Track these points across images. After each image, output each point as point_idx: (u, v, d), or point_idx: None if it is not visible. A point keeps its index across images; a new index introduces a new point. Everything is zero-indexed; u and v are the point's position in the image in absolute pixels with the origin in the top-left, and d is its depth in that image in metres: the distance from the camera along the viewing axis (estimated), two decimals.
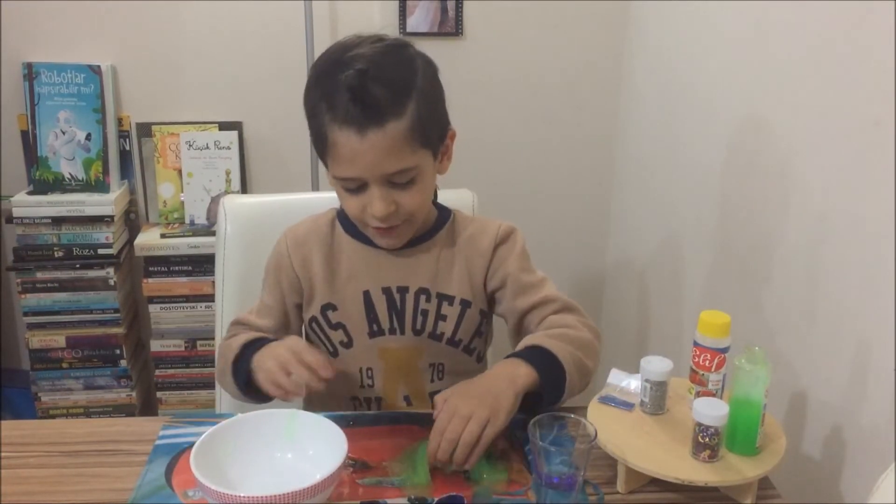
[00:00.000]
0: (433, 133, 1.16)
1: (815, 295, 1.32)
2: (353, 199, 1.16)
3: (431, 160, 1.18)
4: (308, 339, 1.29)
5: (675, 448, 1.06)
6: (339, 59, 1.13)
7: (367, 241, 1.25)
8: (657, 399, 1.13)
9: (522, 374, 1.10)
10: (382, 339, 1.25)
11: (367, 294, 1.24)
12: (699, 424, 1.03)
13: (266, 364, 1.11)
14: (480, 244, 1.26)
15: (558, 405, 1.13)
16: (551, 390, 1.12)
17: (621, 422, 1.12)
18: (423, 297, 1.25)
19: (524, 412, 1.09)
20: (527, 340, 1.17)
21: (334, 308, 1.25)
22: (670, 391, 1.14)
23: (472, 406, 1.04)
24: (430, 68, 1.17)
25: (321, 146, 1.14)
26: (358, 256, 1.25)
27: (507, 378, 1.10)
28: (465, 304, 1.26)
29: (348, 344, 1.26)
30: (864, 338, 1.19)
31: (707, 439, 1.03)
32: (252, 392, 1.17)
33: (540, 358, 1.12)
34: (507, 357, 1.15)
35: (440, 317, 1.25)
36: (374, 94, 1.08)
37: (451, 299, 1.25)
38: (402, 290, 1.25)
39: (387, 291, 1.25)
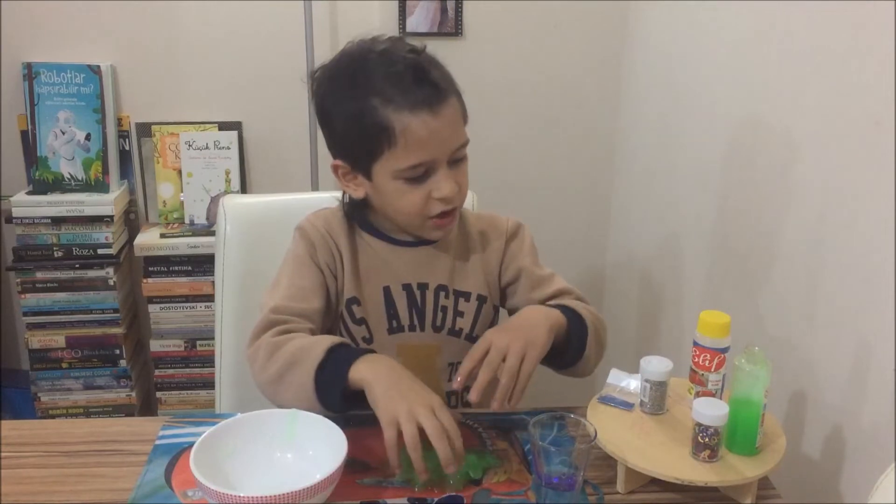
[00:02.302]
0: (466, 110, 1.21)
1: (814, 295, 1.32)
2: (415, 193, 1.16)
3: None
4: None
5: (675, 448, 1.06)
6: (369, 58, 1.15)
7: (384, 238, 1.26)
8: (657, 399, 1.13)
9: (554, 316, 1.13)
10: (402, 336, 1.26)
11: (387, 290, 1.25)
12: (699, 424, 1.03)
13: (397, 408, 1.01)
14: (492, 240, 1.30)
15: (576, 368, 1.17)
16: (575, 342, 1.15)
17: (621, 422, 1.12)
18: (442, 294, 1.26)
19: (551, 364, 1.15)
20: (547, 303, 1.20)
21: (358, 303, 1.25)
22: (670, 391, 1.14)
23: (508, 339, 1.05)
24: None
25: (382, 141, 1.12)
26: (377, 253, 1.26)
27: (541, 313, 1.13)
28: (482, 300, 1.28)
29: (369, 340, 1.26)
30: (864, 338, 1.19)
31: (707, 439, 1.03)
32: (344, 401, 1.08)
33: (565, 310, 1.16)
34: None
35: (458, 313, 1.27)
36: (434, 73, 1.13)
37: (467, 295, 1.27)
38: (423, 287, 1.26)
39: (407, 288, 1.26)
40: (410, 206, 1.17)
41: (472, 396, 1.04)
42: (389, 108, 1.11)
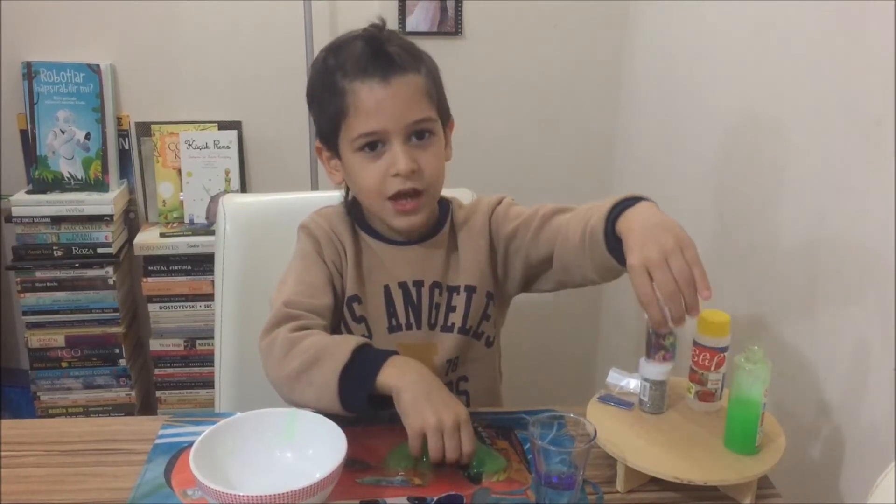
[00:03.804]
0: (442, 103, 1.22)
1: (814, 294, 1.32)
2: (372, 168, 1.17)
3: (442, 129, 1.21)
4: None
5: (675, 447, 1.06)
6: (345, 41, 1.20)
7: (381, 238, 1.26)
8: (656, 399, 1.13)
9: (644, 204, 1.05)
10: (400, 335, 1.26)
11: (387, 288, 1.26)
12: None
13: (426, 420, 1.02)
14: (475, 223, 1.30)
15: None
16: None
17: (621, 421, 1.12)
18: (436, 291, 1.27)
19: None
20: (594, 218, 1.08)
21: (359, 301, 1.25)
22: (669, 391, 1.14)
23: (655, 247, 0.96)
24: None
25: (339, 113, 1.16)
26: (375, 252, 1.27)
27: (644, 212, 1.03)
28: (470, 290, 1.27)
29: (368, 339, 1.25)
30: (864, 337, 1.19)
31: (661, 339, 1.05)
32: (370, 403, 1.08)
33: (635, 199, 1.07)
34: (615, 210, 1.06)
35: (450, 308, 1.27)
36: (391, 49, 1.16)
37: (457, 289, 1.27)
38: (418, 284, 1.26)
39: (403, 286, 1.26)
40: (369, 181, 1.18)
41: (679, 323, 0.96)
42: (346, 79, 1.16)
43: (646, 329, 1.08)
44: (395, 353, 1.11)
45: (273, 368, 1.14)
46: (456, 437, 1.02)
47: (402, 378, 1.06)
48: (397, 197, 1.18)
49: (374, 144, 1.16)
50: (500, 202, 1.32)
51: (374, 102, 1.14)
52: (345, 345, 1.10)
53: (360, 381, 1.07)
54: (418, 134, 1.17)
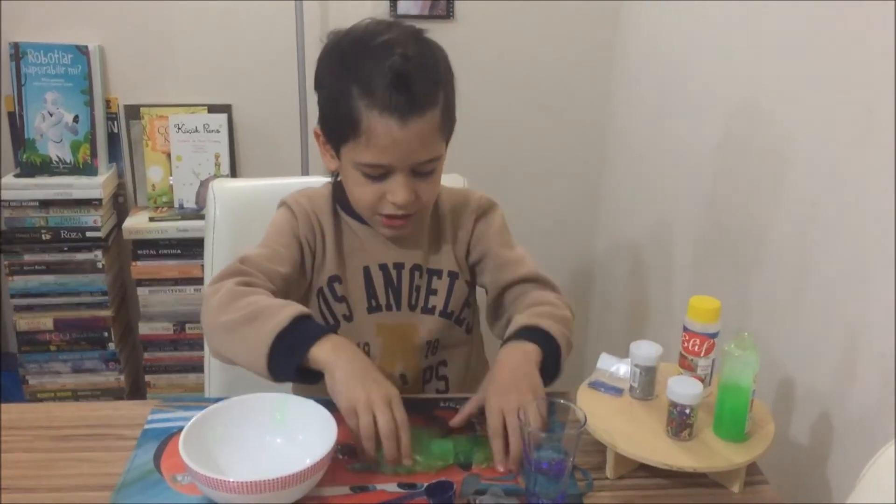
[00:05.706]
0: (452, 122, 1.20)
1: (805, 281, 1.33)
2: (370, 188, 1.16)
3: (445, 151, 1.20)
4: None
5: (665, 434, 1.07)
6: (370, 44, 1.13)
7: (362, 220, 1.26)
8: (646, 384, 1.14)
9: (531, 351, 1.12)
10: (380, 315, 1.27)
11: (367, 269, 1.26)
12: (676, 404, 1.04)
13: (357, 397, 1.02)
14: (462, 217, 1.30)
15: (552, 383, 1.14)
16: (551, 366, 1.14)
17: (611, 407, 1.12)
18: (416, 274, 1.27)
19: None
20: (519, 321, 1.18)
21: (339, 281, 1.26)
22: (659, 376, 1.14)
23: (514, 397, 1.04)
24: (446, 55, 1.20)
25: (348, 129, 1.12)
26: (356, 233, 1.27)
27: (523, 359, 1.11)
28: (454, 276, 1.29)
29: (349, 318, 1.26)
30: (854, 324, 1.20)
31: (685, 418, 1.04)
32: (298, 374, 1.07)
33: (537, 336, 1.14)
34: (507, 341, 1.16)
35: (431, 291, 1.28)
36: (417, 84, 1.10)
37: (439, 273, 1.28)
38: (399, 267, 1.27)
39: (384, 268, 1.26)
40: (364, 197, 1.17)
41: (513, 468, 1.04)
42: (364, 101, 1.10)
43: (667, 406, 1.07)
44: (334, 330, 1.10)
45: (210, 316, 1.13)
46: (387, 413, 1.00)
47: (337, 355, 1.05)
48: (389, 216, 1.18)
49: (376, 171, 1.15)
50: (490, 208, 1.31)
51: (389, 141, 1.10)
52: (286, 310, 1.08)
53: (293, 349, 1.05)
54: (423, 167, 1.16)
